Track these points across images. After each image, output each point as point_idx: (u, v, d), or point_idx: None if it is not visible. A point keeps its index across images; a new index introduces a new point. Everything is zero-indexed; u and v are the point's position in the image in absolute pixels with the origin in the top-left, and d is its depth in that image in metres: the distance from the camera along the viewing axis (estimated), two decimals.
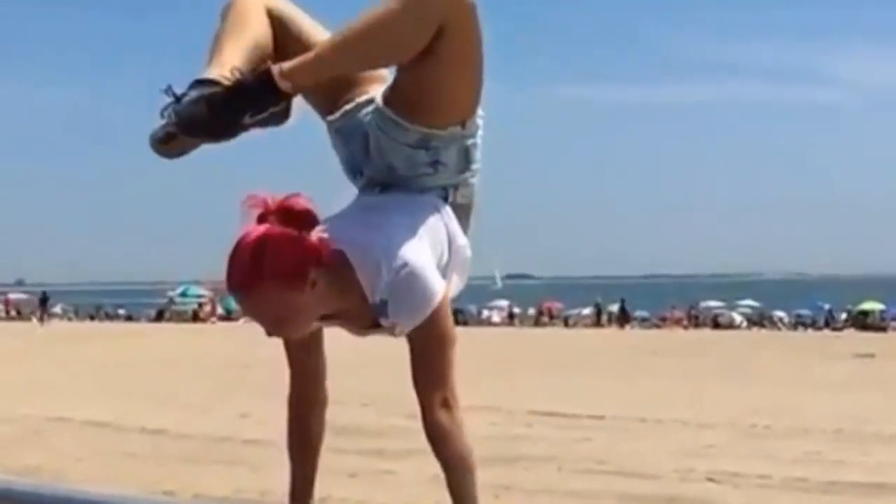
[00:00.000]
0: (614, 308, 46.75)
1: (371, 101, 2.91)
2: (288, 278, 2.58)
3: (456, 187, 2.90)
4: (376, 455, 6.93)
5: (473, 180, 2.93)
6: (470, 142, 2.87)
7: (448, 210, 2.90)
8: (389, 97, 2.83)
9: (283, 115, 2.69)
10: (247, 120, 2.64)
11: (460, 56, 2.73)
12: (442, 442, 2.74)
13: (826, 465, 6.83)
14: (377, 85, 2.93)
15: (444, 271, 2.84)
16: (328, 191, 3.07)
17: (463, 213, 2.95)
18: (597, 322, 44.17)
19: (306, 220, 2.63)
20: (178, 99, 2.64)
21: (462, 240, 2.92)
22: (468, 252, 2.94)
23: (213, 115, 2.62)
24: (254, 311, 2.63)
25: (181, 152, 2.70)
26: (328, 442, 3.12)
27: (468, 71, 2.79)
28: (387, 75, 2.89)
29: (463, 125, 2.83)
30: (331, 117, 2.98)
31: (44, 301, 47.30)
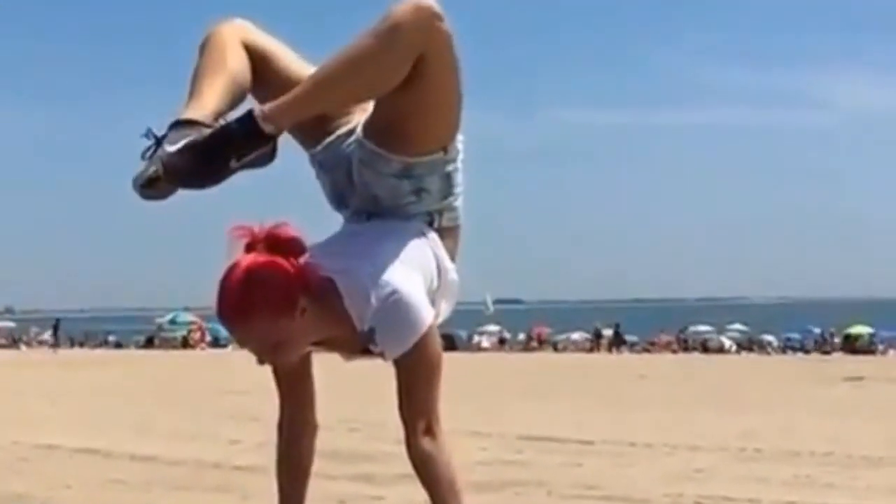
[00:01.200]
0: (608, 332, 46.89)
1: (352, 131, 2.93)
2: (277, 306, 2.59)
3: (441, 212, 2.92)
4: (365, 480, 6.90)
5: (457, 203, 2.95)
6: (451, 167, 2.88)
7: (435, 236, 2.91)
8: (370, 128, 2.85)
9: (270, 155, 2.69)
10: (233, 164, 2.64)
11: (439, 84, 2.74)
12: (426, 468, 2.75)
13: (816, 489, 6.83)
14: (358, 114, 2.94)
15: (434, 297, 2.86)
16: (314, 219, 3.09)
17: (450, 235, 2.97)
18: (595, 346, 44.20)
19: (294, 247, 2.65)
20: (158, 141, 2.63)
21: (449, 264, 2.94)
22: (455, 276, 2.95)
23: (199, 163, 2.61)
24: (245, 339, 2.64)
25: (165, 195, 2.68)
26: (316, 467, 3.12)
27: (447, 98, 2.80)
28: (368, 104, 2.90)
29: (445, 150, 2.85)
30: (313, 150, 2.99)
31: (56, 328, 47.29)
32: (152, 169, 2.59)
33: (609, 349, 43.22)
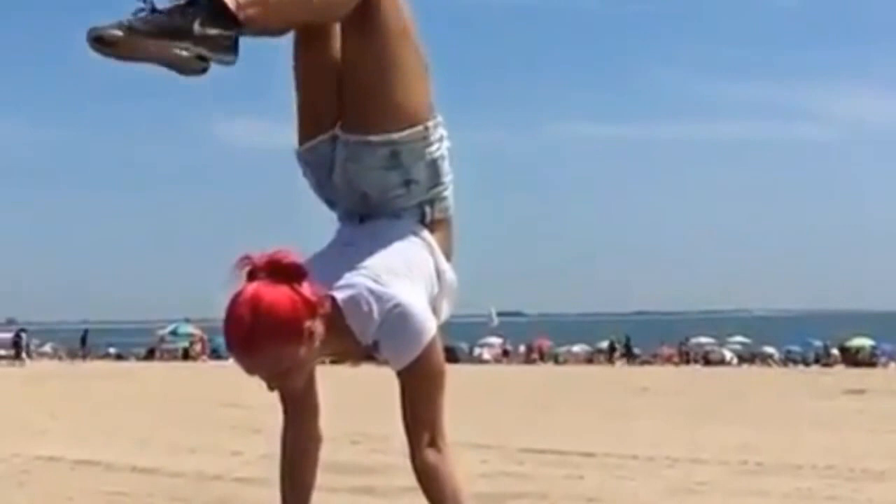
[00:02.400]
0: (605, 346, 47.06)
1: (334, 137, 2.95)
2: (285, 335, 2.60)
3: (432, 203, 2.92)
4: (367, 493, 6.91)
5: (447, 193, 2.96)
6: (437, 153, 2.90)
7: (430, 238, 2.92)
8: (348, 122, 2.88)
9: (231, 49, 2.70)
10: (196, 28, 2.63)
11: (395, 37, 2.81)
12: (430, 480, 2.75)
13: (817, 502, 6.83)
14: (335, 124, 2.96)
15: (435, 302, 2.87)
16: (314, 229, 3.10)
17: (443, 228, 2.97)
18: (609, 359, 44.16)
19: (296, 272, 2.65)
20: (153, 9, 2.65)
21: (446, 265, 2.95)
22: (453, 276, 2.97)
23: (164, 24, 2.62)
24: (255, 368, 2.65)
25: (122, 57, 2.65)
26: (318, 480, 3.12)
27: (406, 55, 2.85)
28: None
29: (425, 127, 2.86)
30: (300, 148, 3.02)
31: (84, 339, 47.25)
32: (118, 27, 2.58)
33: (624, 361, 43.33)
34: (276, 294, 2.60)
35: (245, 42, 2.71)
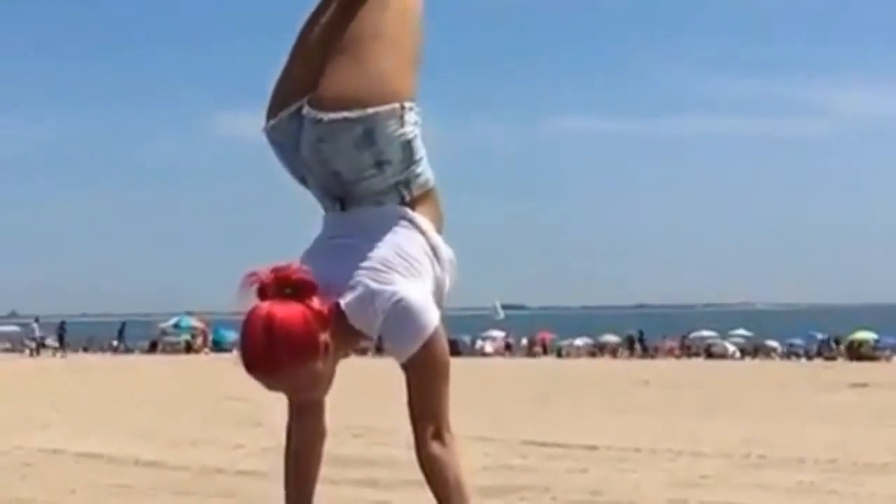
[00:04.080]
0: (612, 339, 47.25)
1: (297, 112, 2.92)
2: (303, 353, 2.63)
3: (407, 184, 2.90)
4: (370, 486, 6.91)
5: (420, 170, 2.93)
6: (411, 135, 2.88)
7: (418, 219, 2.90)
8: (322, 100, 2.84)
9: None
10: None
11: (397, 11, 2.83)
12: (434, 472, 2.75)
13: (820, 495, 6.83)
14: (301, 97, 2.94)
15: (439, 284, 2.87)
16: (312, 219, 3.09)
17: (427, 201, 2.95)
18: (630, 353, 44.12)
19: (304, 287, 2.66)
20: None
21: (439, 241, 2.94)
22: (449, 251, 2.96)
23: None
24: (276, 387, 2.69)
25: None
26: (320, 473, 3.12)
27: (403, 29, 2.85)
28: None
29: (401, 106, 2.84)
30: (267, 125, 2.99)
31: (121, 331, 47.34)
32: None
33: (628, 354, 43.42)
34: (290, 312, 2.62)
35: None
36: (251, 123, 3.09)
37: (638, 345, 45.30)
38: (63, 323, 46.20)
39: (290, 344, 2.60)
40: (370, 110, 2.78)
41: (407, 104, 2.84)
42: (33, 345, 43.10)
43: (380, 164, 2.84)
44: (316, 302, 2.65)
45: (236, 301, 2.67)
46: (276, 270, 2.66)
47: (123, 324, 49.34)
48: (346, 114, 2.78)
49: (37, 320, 45.88)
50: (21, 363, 34.41)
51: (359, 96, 2.79)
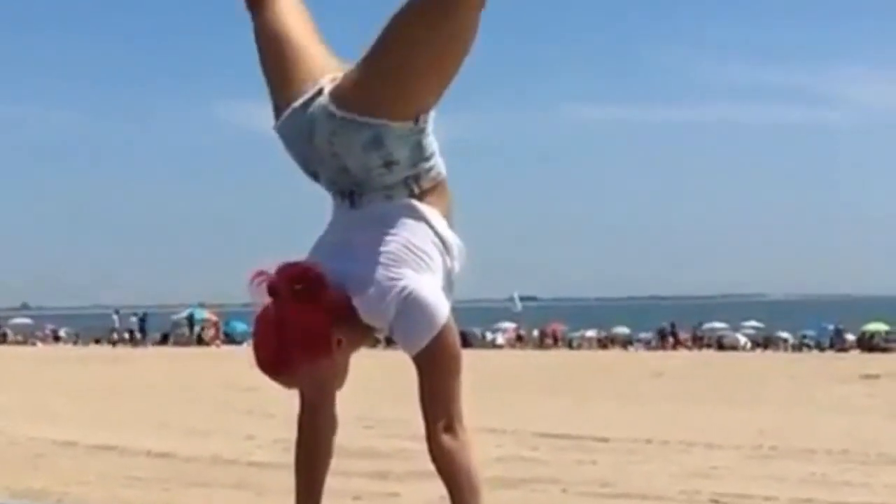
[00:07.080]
0: (619, 331, 47.16)
1: (308, 102, 2.89)
2: (317, 351, 2.63)
3: (417, 178, 2.89)
4: (380, 477, 6.93)
5: (431, 164, 2.91)
6: (422, 135, 2.86)
7: (427, 211, 2.89)
8: (344, 94, 2.82)
9: None
10: None
11: (449, 49, 2.77)
12: (447, 464, 2.75)
13: (832, 487, 6.82)
14: (311, 85, 2.91)
15: (449, 274, 2.86)
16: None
17: (437, 192, 2.93)
18: (661, 345, 43.80)
19: (315, 284, 2.65)
20: None
21: (449, 234, 2.93)
22: (459, 241, 2.95)
23: None
24: (292, 385, 2.71)
25: None
26: (331, 464, 3.13)
27: (451, 57, 2.81)
28: (336, 69, 2.89)
29: (416, 120, 2.83)
30: (274, 125, 2.98)
31: (143, 321, 47.67)
32: None
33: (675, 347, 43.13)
34: (302, 311, 2.61)
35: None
36: (267, 115, 3.07)
37: (671, 338, 44.93)
38: (145, 314, 46.91)
39: (303, 344, 2.60)
40: (383, 120, 2.77)
41: (423, 116, 2.83)
42: (125, 335, 44.34)
43: (388, 164, 2.83)
44: (327, 298, 2.65)
45: (249, 294, 2.67)
46: (284, 267, 2.66)
47: (144, 313, 49.20)
48: (358, 117, 2.77)
49: (117, 312, 46.66)
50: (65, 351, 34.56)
51: (382, 106, 2.77)
